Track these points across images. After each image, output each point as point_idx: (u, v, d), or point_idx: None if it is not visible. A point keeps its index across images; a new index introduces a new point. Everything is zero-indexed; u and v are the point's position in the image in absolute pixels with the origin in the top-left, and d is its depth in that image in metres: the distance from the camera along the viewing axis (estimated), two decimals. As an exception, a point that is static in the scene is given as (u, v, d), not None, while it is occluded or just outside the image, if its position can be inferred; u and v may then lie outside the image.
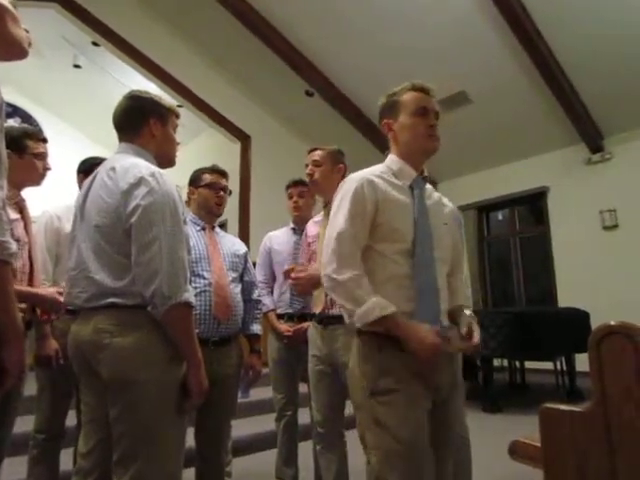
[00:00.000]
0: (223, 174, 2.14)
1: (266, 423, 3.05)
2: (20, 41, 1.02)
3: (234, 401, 2.04)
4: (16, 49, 1.01)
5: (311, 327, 2.09)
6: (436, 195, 1.48)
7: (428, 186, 1.46)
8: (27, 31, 1.06)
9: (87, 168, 2.18)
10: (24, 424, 1.64)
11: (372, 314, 1.21)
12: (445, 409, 1.33)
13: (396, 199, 1.33)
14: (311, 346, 2.05)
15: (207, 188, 2.07)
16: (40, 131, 1.92)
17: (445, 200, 1.51)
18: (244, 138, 6.43)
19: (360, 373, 1.28)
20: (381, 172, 1.39)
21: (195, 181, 2.11)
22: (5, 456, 1.64)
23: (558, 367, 4.91)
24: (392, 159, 1.44)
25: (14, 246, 0.98)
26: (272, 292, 2.55)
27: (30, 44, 1.06)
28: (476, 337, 1.35)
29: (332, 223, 1.34)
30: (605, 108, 5.42)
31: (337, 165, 2.07)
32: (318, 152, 2.11)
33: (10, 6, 1.00)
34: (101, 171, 1.36)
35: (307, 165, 2.11)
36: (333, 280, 1.27)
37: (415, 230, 1.31)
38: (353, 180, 1.36)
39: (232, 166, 6.30)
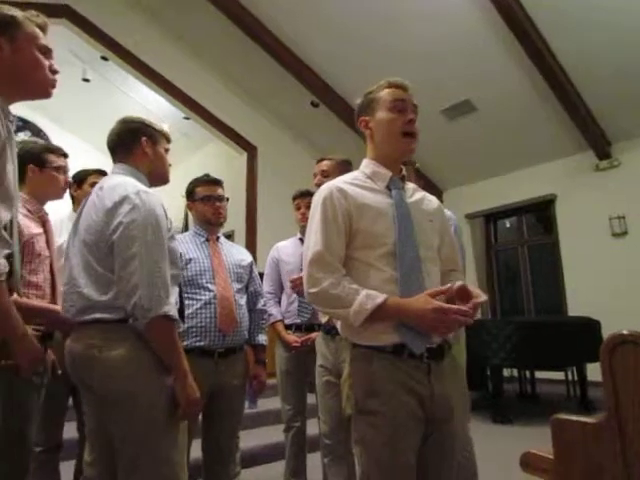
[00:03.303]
0: (217, 183, 2.12)
1: (274, 434, 3.03)
2: (44, 85, 1.20)
3: (241, 412, 2.02)
4: (40, 93, 1.21)
5: (319, 337, 2.08)
6: (419, 194, 1.41)
7: (410, 185, 1.41)
8: (55, 72, 1.21)
9: (78, 180, 2.21)
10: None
11: (366, 308, 1.16)
12: (446, 429, 1.23)
13: (371, 202, 1.28)
14: (319, 356, 2.04)
15: (202, 202, 2.07)
16: (60, 147, 1.93)
17: (431, 197, 1.44)
18: (250, 149, 6.46)
19: (350, 387, 1.24)
20: (354, 178, 1.35)
21: (190, 195, 2.12)
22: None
23: (569, 377, 4.84)
24: (365, 163, 1.40)
25: (3, 265, 1.14)
26: (280, 303, 2.54)
27: (54, 85, 1.22)
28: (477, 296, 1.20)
29: (306, 241, 1.29)
30: (612, 114, 5.39)
31: None
32: (326, 162, 2.12)
33: (40, 57, 1.17)
34: (93, 191, 1.41)
35: (315, 175, 2.12)
36: (314, 294, 1.22)
37: (396, 230, 1.25)
38: (322, 190, 1.31)
39: (239, 177, 6.34)
